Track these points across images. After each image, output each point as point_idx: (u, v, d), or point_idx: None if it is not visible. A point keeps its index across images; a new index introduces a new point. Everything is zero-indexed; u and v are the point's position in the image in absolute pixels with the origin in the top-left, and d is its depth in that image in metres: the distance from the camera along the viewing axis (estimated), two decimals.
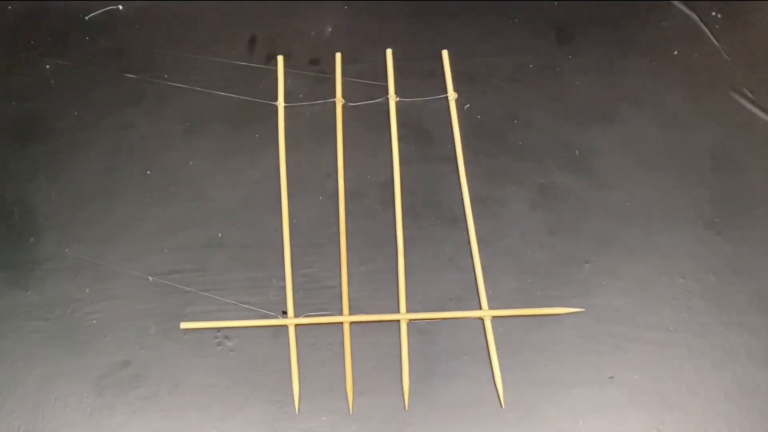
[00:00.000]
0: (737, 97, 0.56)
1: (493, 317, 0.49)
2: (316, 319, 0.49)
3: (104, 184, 0.53)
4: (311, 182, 0.53)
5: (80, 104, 0.55)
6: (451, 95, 0.55)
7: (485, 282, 0.50)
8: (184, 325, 0.49)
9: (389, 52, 0.57)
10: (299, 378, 0.48)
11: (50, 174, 0.53)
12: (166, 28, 0.58)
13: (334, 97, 0.56)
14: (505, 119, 0.55)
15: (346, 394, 0.47)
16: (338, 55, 0.57)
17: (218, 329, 0.49)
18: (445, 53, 0.57)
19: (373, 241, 0.52)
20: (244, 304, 0.50)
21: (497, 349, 0.49)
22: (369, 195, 0.53)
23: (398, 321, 0.49)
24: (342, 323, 0.49)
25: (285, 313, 0.50)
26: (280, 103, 0.55)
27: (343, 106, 0.55)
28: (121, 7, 0.59)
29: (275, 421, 0.47)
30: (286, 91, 0.56)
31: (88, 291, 0.50)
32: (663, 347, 0.49)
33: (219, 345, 0.49)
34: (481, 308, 0.50)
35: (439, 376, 0.48)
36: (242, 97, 0.56)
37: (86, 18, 0.58)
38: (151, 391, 0.48)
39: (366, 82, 0.56)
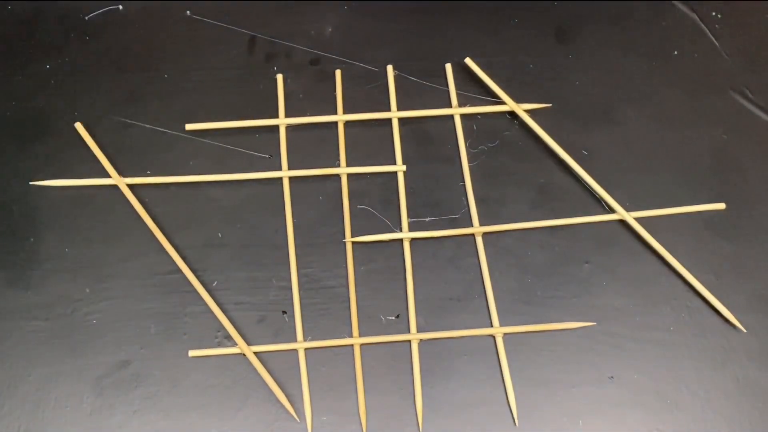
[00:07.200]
0: (737, 97, 0.56)
1: (504, 334, 0.49)
2: (326, 342, 0.49)
3: (104, 184, 0.53)
4: (312, 182, 0.53)
5: (80, 104, 0.55)
6: (455, 110, 0.55)
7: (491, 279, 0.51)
8: (193, 353, 0.48)
9: (390, 68, 0.56)
10: (309, 391, 0.48)
11: (50, 174, 0.53)
12: (166, 28, 0.58)
13: (335, 103, 0.56)
14: (505, 119, 0.55)
15: (359, 417, 0.47)
16: (338, 73, 0.56)
17: (218, 330, 0.49)
18: (448, 67, 0.57)
19: (373, 241, 0.52)
20: (244, 303, 0.50)
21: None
22: (369, 195, 0.53)
23: (409, 341, 0.49)
24: (352, 345, 0.49)
25: (285, 312, 0.50)
26: (282, 122, 0.55)
27: (345, 124, 0.55)
28: (121, 7, 0.58)
29: (275, 421, 0.47)
30: (286, 91, 0.56)
31: (88, 291, 0.50)
32: (663, 347, 0.49)
33: (219, 345, 0.49)
34: (489, 315, 0.50)
35: (442, 377, 0.48)
36: (241, 96, 0.56)
37: (86, 18, 0.58)
38: (151, 391, 0.48)
39: (367, 89, 0.56)
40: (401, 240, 0.51)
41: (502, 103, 0.55)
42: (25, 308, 0.50)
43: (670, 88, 0.57)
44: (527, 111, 0.55)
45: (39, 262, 0.51)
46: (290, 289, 0.50)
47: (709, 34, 0.58)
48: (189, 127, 0.54)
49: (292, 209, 0.52)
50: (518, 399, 0.48)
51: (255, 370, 0.48)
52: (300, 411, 0.47)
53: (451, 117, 0.55)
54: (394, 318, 0.50)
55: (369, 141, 0.55)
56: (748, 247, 0.52)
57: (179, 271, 0.50)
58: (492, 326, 0.49)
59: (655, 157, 0.55)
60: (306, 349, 0.49)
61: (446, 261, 0.51)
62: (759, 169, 0.54)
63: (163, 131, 0.54)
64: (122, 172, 0.53)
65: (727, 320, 0.50)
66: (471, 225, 0.52)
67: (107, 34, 0.58)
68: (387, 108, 0.55)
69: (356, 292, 0.50)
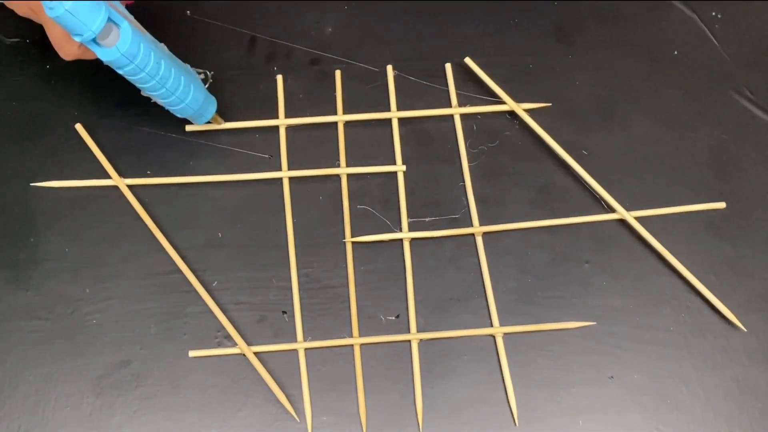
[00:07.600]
0: (737, 97, 0.56)
1: (504, 334, 0.49)
2: (326, 342, 0.49)
3: (104, 185, 0.53)
4: (312, 182, 0.53)
5: (80, 104, 0.55)
6: (455, 110, 0.55)
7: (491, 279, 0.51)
8: (193, 353, 0.49)
9: (390, 68, 0.56)
10: (310, 397, 0.48)
11: (50, 175, 0.53)
12: (166, 28, 0.58)
13: (335, 103, 0.55)
14: (505, 119, 0.55)
15: (359, 417, 0.47)
16: (338, 73, 0.56)
17: (218, 329, 0.49)
18: (448, 66, 0.57)
19: (372, 242, 0.52)
20: (244, 303, 0.50)
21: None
22: (369, 195, 0.53)
23: (409, 341, 0.49)
24: (352, 345, 0.49)
25: (285, 312, 0.50)
26: (282, 122, 0.55)
27: (345, 124, 0.55)
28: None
29: (275, 421, 0.47)
30: (285, 91, 0.56)
31: (88, 291, 0.50)
32: (663, 347, 0.49)
33: (219, 345, 0.49)
34: (489, 315, 0.50)
35: (442, 377, 0.48)
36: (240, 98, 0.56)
37: None
38: (151, 391, 0.48)
39: (367, 89, 0.56)
40: (401, 240, 0.51)
41: (502, 102, 0.55)
42: (25, 308, 0.50)
43: (670, 88, 0.57)
44: (527, 111, 0.55)
45: (39, 262, 0.51)
46: (290, 289, 0.50)
47: (709, 34, 0.58)
48: (189, 128, 0.54)
49: (292, 209, 0.52)
50: (518, 399, 0.48)
51: (255, 370, 0.48)
52: (300, 411, 0.47)
53: (451, 117, 0.55)
54: (394, 318, 0.50)
55: (369, 141, 0.55)
56: (748, 247, 0.52)
57: (179, 271, 0.50)
58: (492, 326, 0.49)
59: (655, 157, 0.54)
60: (306, 349, 0.49)
61: (446, 261, 0.51)
62: (759, 169, 0.54)
63: (163, 132, 0.54)
64: (122, 173, 0.53)
65: (727, 320, 0.50)
66: (471, 225, 0.52)
67: None
68: (387, 108, 0.55)
69: (356, 292, 0.50)
